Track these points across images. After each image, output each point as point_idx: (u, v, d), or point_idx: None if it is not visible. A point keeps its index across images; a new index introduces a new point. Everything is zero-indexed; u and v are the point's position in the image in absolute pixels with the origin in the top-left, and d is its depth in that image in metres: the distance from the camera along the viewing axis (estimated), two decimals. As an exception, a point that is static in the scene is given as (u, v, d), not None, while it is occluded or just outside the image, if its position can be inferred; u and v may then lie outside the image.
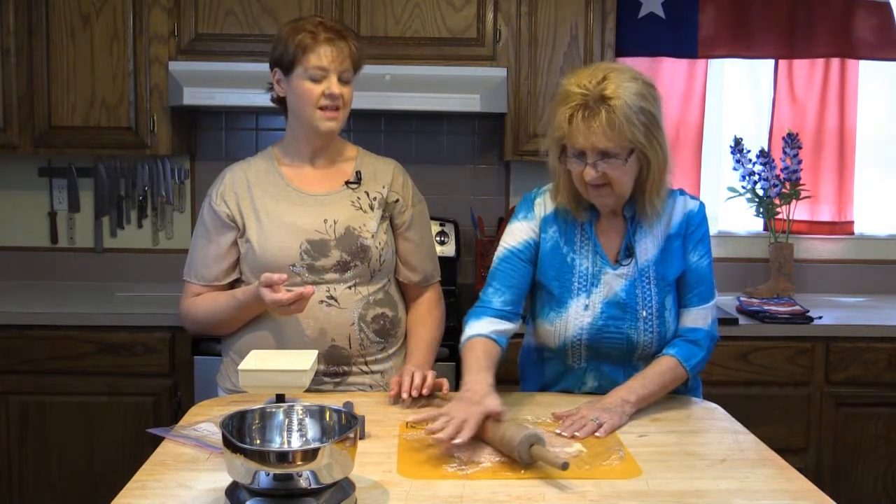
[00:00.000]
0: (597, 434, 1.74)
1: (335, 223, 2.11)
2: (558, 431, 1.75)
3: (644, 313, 1.93)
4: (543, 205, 2.01)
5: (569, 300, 1.96)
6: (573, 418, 1.79)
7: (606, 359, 1.98)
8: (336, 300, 2.08)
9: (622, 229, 1.97)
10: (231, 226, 2.14)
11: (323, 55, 2.03)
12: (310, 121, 2.08)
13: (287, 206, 2.12)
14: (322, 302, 2.07)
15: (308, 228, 2.10)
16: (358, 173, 2.19)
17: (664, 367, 1.91)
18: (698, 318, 1.96)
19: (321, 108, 2.06)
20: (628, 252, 1.95)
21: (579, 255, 1.97)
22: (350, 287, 2.10)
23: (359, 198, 2.16)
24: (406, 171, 2.28)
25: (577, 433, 1.73)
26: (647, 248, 1.95)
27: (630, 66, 1.90)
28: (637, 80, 1.83)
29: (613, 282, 1.94)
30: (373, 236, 2.12)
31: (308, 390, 2.04)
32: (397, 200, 2.20)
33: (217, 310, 2.11)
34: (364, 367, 2.12)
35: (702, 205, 2.00)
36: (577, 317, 1.95)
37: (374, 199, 2.17)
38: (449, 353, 2.80)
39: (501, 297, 1.96)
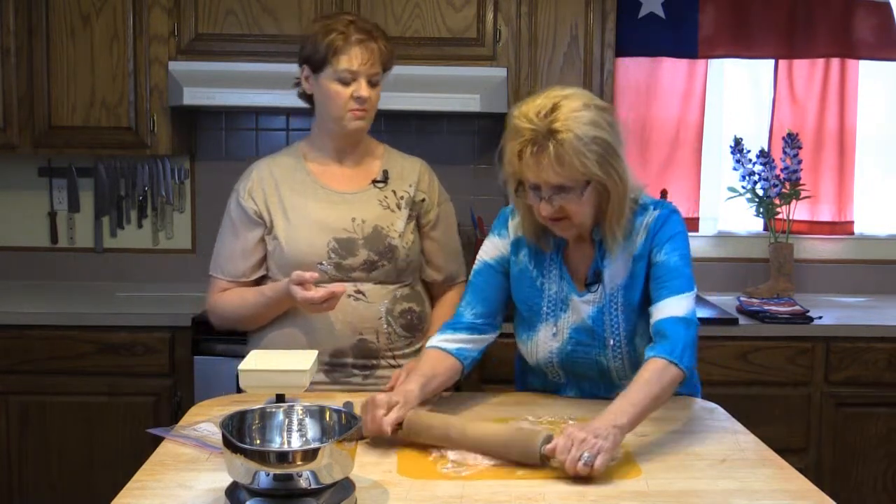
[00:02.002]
0: (595, 467, 1.51)
1: (363, 222, 2.12)
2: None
3: (611, 342, 1.89)
4: (517, 226, 1.95)
5: (538, 324, 1.94)
6: (567, 449, 1.54)
7: (584, 378, 1.97)
8: (364, 294, 2.10)
9: (591, 254, 1.90)
10: (259, 222, 2.14)
11: (353, 58, 2.04)
12: (337, 120, 2.09)
13: (315, 204, 2.12)
14: (350, 296, 2.08)
15: (336, 227, 2.10)
16: (385, 172, 2.19)
17: (649, 375, 1.70)
18: (671, 308, 1.79)
19: (349, 110, 2.06)
20: (597, 277, 1.90)
21: (548, 280, 1.93)
22: (376, 283, 2.11)
23: (386, 197, 2.17)
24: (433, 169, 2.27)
25: (578, 471, 1.52)
26: (618, 272, 1.88)
27: (584, 92, 1.79)
28: (590, 108, 1.73)
29: (581, 308, 1.90)
30: (400, 236, 2.13)
31: (337, 383, 2.07)
32: (423, 200, 2.21)
33: (244, 306, 2.12)
34: (392, 361, 2.13)
35: (665, 210, 1.88)
36: (546, 341, 1.94)
37: (402, 198, 2.18)
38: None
39: (473, 310, 1.96)
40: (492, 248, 1.99)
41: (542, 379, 2.03)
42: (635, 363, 1.85)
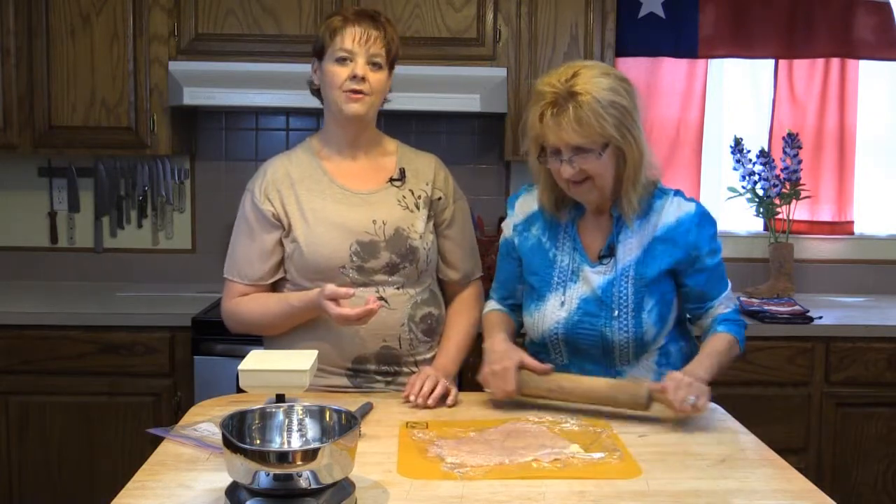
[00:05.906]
0: (699, 406, 1.76)
1: (385, 224, 2.08)
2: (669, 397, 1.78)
3: (616, 312, 1.93)
4: (526, 202, 2.07)
5: (547, 294, 1.99)
6: (676, 389, 1.78)
7: (587, 357, 1.98)
8: (387, 301, 2.06)
9: (608, 228, 1.97)
10: (276, 224, 2.09)
11: (349, 36, 2.01)
12: (335, 104, 2.05)
13: (334, 206, 2.08)
14: None
15: (357, 229, 2.06)
16: (402, 170, 2.16)
17: (724, 346, 1.95)
18: (727, 303, 2.01)
19: (346, 91, 2.02)
20: (610, 251, 1.95)
21: (560, 252, 2.00)
22: (398, 288, 2.08)
23: (404, 196, 2.13)
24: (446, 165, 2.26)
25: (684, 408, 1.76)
26: (632, 248, 1.95)
27: (603, 64, 1.93)
28: (608, 76, 1.85)
29: (592, 279, 1.95)
30: (420, 237, 2.11)
31: (360, 388, 2.06)
32: (440, 198, 2.18)
33: (267, 313, 2.08)
34: (414, 368, 2.10)
35: (699, 207, 1.98)
36: (553, 311, 1.98)
37: (419, 197, 2.15)
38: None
39: (497, 294, 2.16)
40: (503, 231, 2.13)
41: (545, 361, 2.03)
42: (639, 340, 1.95)
